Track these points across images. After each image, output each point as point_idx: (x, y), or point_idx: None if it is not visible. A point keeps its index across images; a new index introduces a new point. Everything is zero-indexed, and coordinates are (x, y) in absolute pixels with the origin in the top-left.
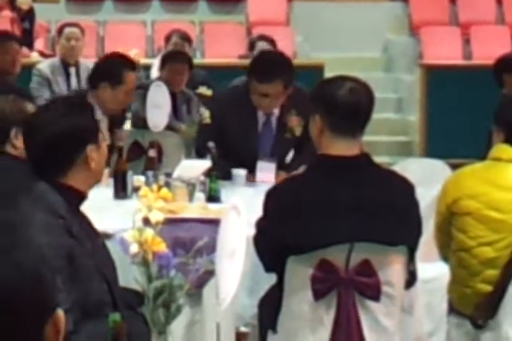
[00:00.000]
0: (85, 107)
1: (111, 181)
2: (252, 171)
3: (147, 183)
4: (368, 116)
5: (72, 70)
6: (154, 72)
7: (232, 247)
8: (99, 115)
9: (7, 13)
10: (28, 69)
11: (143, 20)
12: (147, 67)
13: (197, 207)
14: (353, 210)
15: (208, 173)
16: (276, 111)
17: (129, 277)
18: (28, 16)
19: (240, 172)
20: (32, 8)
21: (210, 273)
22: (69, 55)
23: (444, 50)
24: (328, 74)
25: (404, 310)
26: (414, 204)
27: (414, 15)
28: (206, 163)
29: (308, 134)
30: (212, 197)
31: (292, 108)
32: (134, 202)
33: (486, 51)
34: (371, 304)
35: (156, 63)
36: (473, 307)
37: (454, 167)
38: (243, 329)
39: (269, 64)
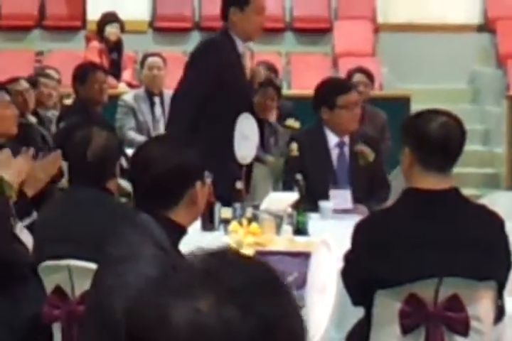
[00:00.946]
0: (190, 144)
1: None
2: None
3: (234, 215)
4: (460, 151)
5: (157, 99)
6: None
7: (323, 282)
8: None
9: (95, 44)
10: (115, 99)
11: None
12: None
13: (284, 240)
14: (442, 245)
15: (296, 206)
16: (346, 140)
17: None
18: (116, 47)
19: (327, 205)
20: (120, 39)
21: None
22: (152, 84)
23: None
24: (415, 105)
25: None
26: (503, 239)
27: (501, 47)
28: (294, 196)
29: (382, 163)
30: (300, 230)
31: (360, 138)
32: (222, 234)
33: None
34: (460, 339)
35: None
36: None
37: None
38: None
39: None
